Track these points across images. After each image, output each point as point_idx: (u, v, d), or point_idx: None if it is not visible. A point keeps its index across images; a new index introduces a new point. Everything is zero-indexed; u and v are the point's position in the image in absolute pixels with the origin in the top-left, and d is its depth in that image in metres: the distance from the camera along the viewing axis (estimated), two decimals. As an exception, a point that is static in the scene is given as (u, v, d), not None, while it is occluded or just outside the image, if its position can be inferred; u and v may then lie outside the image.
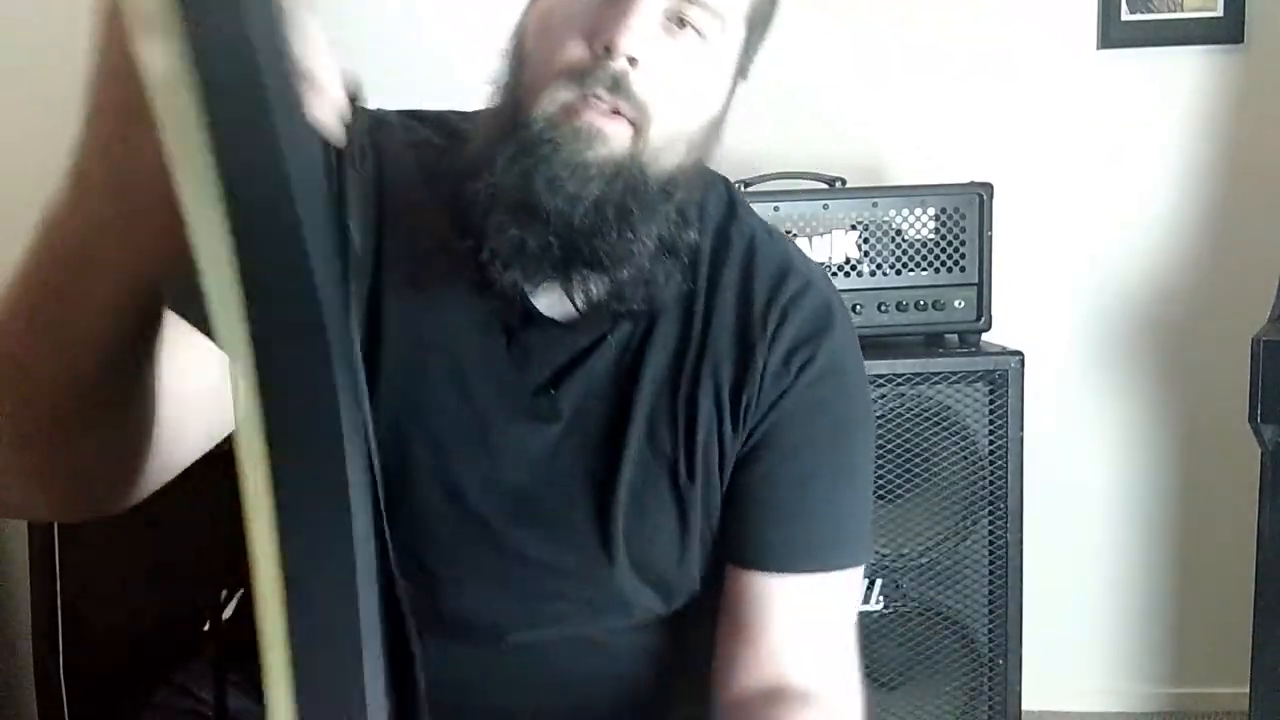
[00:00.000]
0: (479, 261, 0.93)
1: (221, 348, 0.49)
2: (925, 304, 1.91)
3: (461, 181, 0.95)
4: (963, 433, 1.89)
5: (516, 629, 1.00)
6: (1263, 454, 1.73)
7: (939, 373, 1.85)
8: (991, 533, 1.91)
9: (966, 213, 1.91)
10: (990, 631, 1.94)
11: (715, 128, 1.00)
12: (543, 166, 0.90)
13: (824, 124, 2.33)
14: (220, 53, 0.44)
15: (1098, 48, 2.31)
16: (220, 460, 0.94)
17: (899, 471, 1.88)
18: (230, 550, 0.73)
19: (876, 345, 1.90)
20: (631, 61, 0.89)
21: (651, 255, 0.96)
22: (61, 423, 0.66)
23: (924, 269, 1.91)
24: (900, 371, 1.85)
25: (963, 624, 1.93)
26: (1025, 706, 2.00)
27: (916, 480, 1.89)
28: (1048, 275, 2.35)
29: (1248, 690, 1.78)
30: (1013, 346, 1.88)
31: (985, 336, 1.92)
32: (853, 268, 1.91)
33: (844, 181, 2.02)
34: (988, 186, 1.92)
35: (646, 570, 1.01)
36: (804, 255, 1.11)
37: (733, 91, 1.02)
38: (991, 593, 1.93)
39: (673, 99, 0.92)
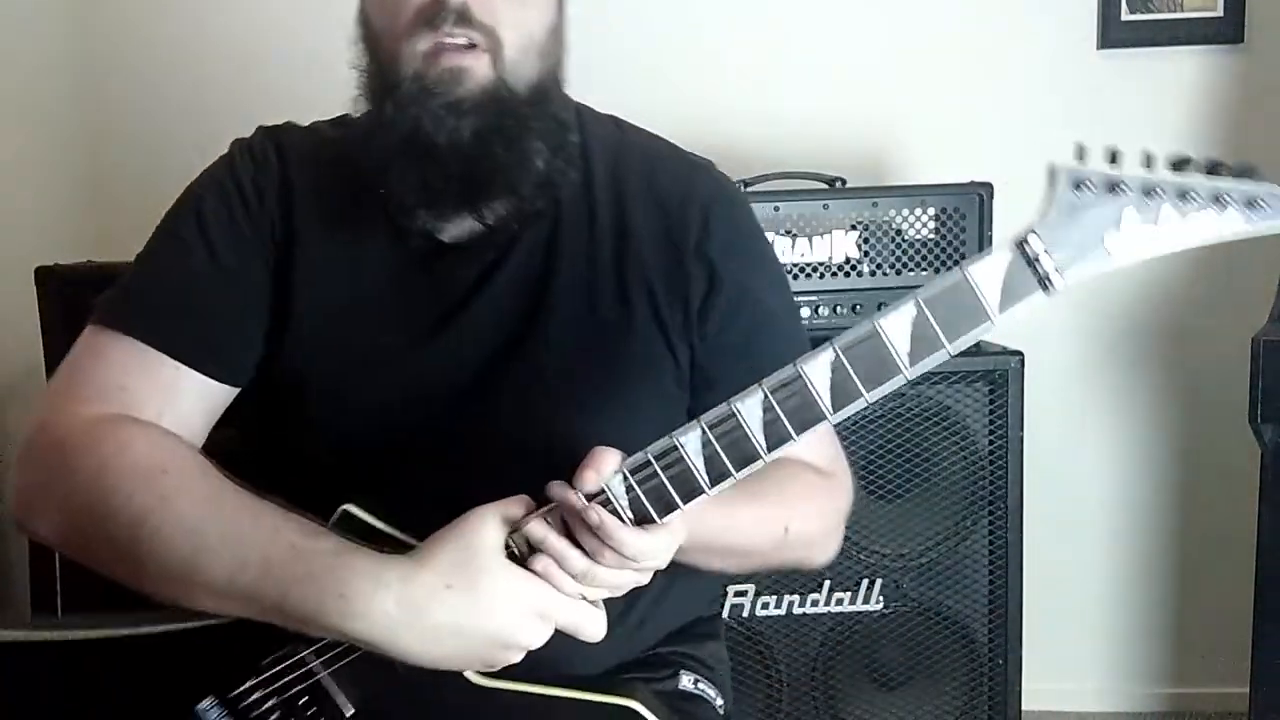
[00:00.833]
0: (389, 212, 1.08)
1: None
2: (925, 304, 1.91)
3: (359, 147, 1.09)
4: (963, 433, 1.89)
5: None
6: (1263, 454, 1.73)
7: (939, 373, 1.85)
8: (991, 533, 1.91)
9: (966, 213, 1.91)
10: (990, 631, 1.93)
11: (558, 33, 1.13)
12: (423, 112, 1.04)
13: (824, 124, 2.33)
14: None
15: (1098, 48, 2.30)
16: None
17: (899, 471, 1.88)
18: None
19: (876, 345, 1.89)
20: None
21: (545, 160, 1.09)
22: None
23: (924, 269, 1.91)
24: (900, 371, 1.84)
25: (963, 624, 1.93)
26: (1025, 706, 2.00)
27: (916, 480, 1.89)
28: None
29: (1248, 690, 1.78)
30: (1013, 346, 1.88)
31: (985, 336, 1.92)
32: (853, 268, 1.91)
33: (844, 181, 2.02)
34: (988, 186, 1.92)
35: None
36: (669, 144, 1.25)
37: None
38: (991, 593, 1.92)
39: (513, 15, 1.06)
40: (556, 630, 0.97)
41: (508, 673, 1.00)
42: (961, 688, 1.95)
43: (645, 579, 0.98)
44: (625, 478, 0.94)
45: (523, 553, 0.96)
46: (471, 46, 1.05)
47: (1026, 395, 1.90)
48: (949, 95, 2.33)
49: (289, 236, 1.14)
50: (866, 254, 1.91)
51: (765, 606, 1.92)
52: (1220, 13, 2.26)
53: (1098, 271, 0.90)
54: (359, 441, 1.11)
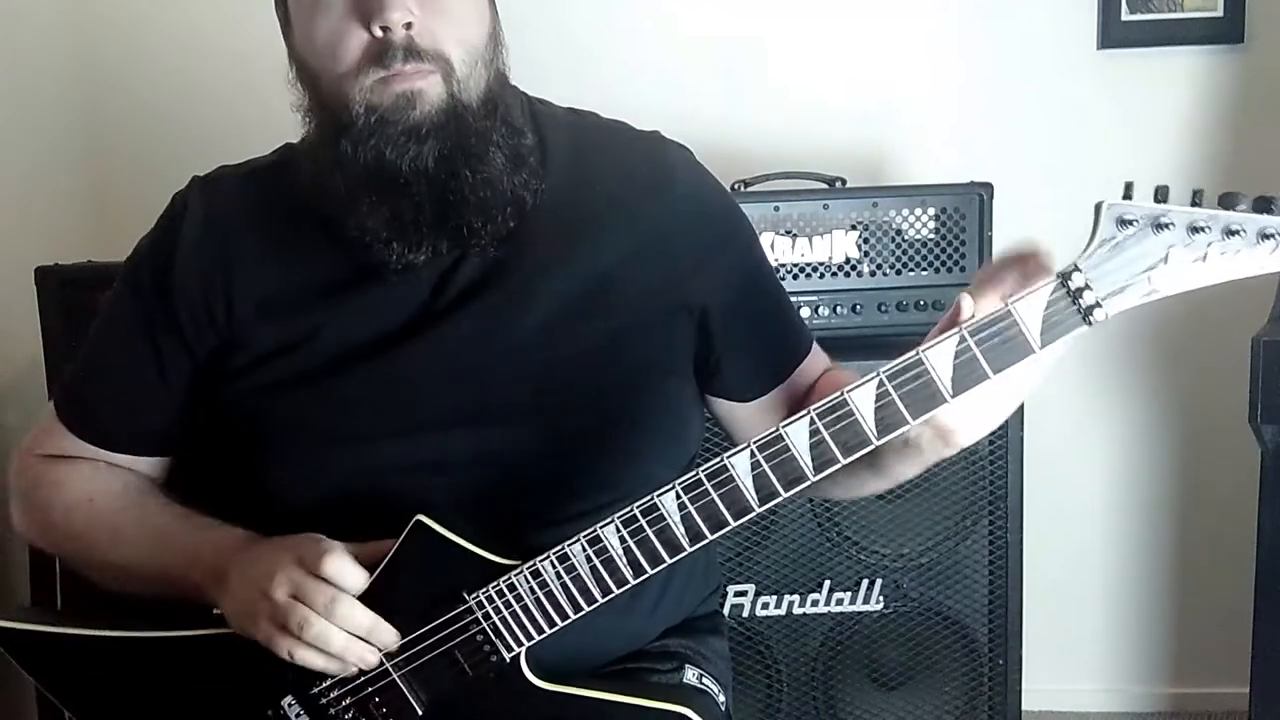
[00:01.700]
0: (360, 244, 1.08)
1: None
2: (925, 304, 1.91)
3: (316, 184, 1.10)
4: (963, 433, 1.88)
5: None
6: (1263, 454, 1.72)
7: (939, 373, 1.84)
8: (991, 533, 1.91)
9: (966, 213, 1.91)
10: (990, 631, 1.94)
11: (496, 36, 1.13)
12: (383, 141, 1.05)
13: (824, 124, 2.33)
14: None
15: (1098, 48, 2.30)
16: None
17: (899, 471, 1.88)
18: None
19: (876, 345, 1.89)
20: (408, 26, 1.03)
21: (509, 174, 1.10)
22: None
23: (924, 269, 1.91)
24: (900, 371, 1.84)
25: (963, 624, 1.93)
26: (1025, 706, 2.00)
27: (916, 480, 1.88)
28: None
29: (1248, 690, 1.78)
30: (1013, 346, 1.88)
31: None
32: (853, 268, 1.91)
33: (844, 181, 2.02)
34: (988, 186, 1.92)
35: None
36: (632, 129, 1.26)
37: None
38: (991, 593, 1.92)
39: (455, 33, 1.06)
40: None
41: (568, 677, 1.08)
42: (961, 688, 1.95)
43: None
44: (678, 495, 1.00)
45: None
46: (421, 72, 1.06)
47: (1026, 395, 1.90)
48: (949, 95, 2.33)
49: (227, 285, 1.16)
50: (866, 254, 1.91)
51: (765, 606, 1.92)
52: (1220, 13, 2.26)
53: (1140, 303, 0.94)
54: (329, 463, 1.13)
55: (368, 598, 1.04)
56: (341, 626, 1.02)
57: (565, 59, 2.21)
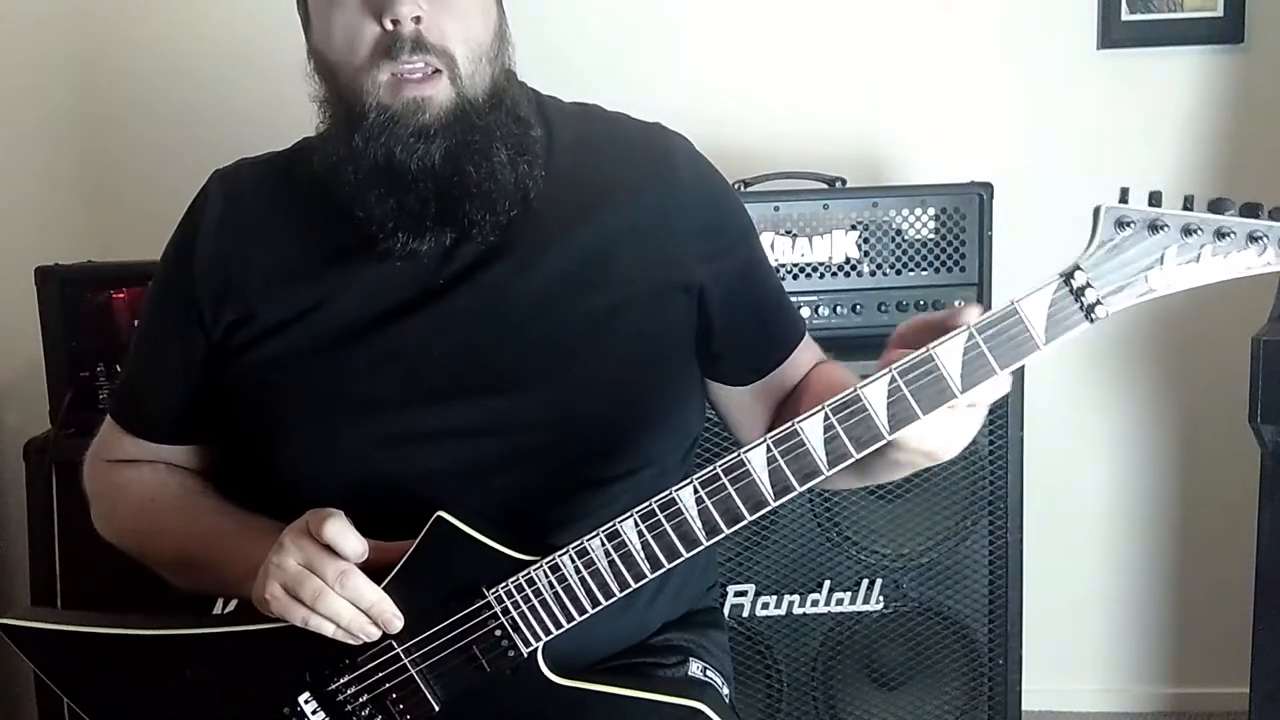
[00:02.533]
0: (367, 235, 1.12)
1: None
2: (925, 304, 1.91)
3: (330, 174, 1.14)
4: (963, 433, 1.88)
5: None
6: (1263, 454, 1.73)
7: (939, 373, 1.84)
8: (991, 533, 1.92)
9: (966, 213, 1.91)
10: (990, 631, 1.94)
11: (502, 32, 1.17)
12: (393, 140, 1.10)
13: (824, 124, 2.33)
14: None
15: (1098, 48, 2.30)
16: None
17: (899, 471, 1.88)
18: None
19: (876, 345, 1.88)
20: (417, 20, 1.08)
21: (513, 167, 1.13)
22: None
23: (924, 269, 1.91)
24: (900, 371, 1.84)
25: (963, 624, 1.93)
26: (1025, 706, 2.00)
27: (916, 480, 1.89)
28: (1047, 275, 2.35)
29: (1248, 690, 1.78)
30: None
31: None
32: (853, 268, 1.91)
33: (844, 181, 2.02)
34: (988, 186, 1.92)
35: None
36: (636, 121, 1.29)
37: None
38: (991, 593, 1.93)
39: (461, 29, 1.11)
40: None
41: (584, 673, 1.10)
42: (961, 688, 1.95)
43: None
44: (695, 490, 1.02)
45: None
46: (429, 73, 1.10)
47: (1026, 395, 1.90)
48: (949, 95, 2.33)
49: (243, 263, 1.21)
50: (866, 254, 1.91)
51: (765, 606, 1.92)
52: (1220, 13, 2.26)
53: (1136, 302, 0.99)
54: (336, 435, 1.16)
55: (388, 592, 1.05)
56: (349, 599, 1.04)
57: (565, 59, 2.21)
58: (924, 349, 0.99)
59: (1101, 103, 2.31)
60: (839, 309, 1.91)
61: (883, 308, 1.92)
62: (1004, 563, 1.92)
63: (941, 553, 1.91)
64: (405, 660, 1.07)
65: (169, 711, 1.16)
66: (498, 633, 1.06)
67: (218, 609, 1.32)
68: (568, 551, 1.05)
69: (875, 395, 0.99)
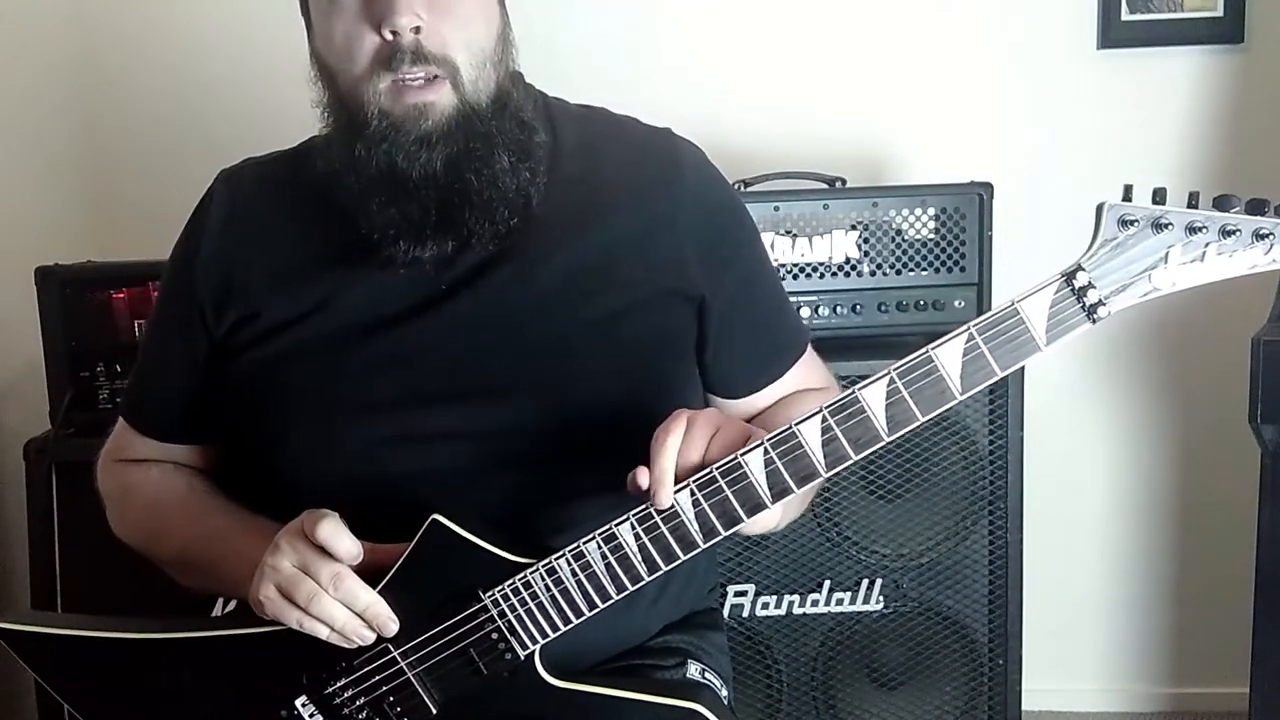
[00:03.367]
0: (370, 241, 1.12)
1: None
2: (925, 304, 1.91)
3: (333, 180, 1.13)
4: (963, 433, 1.89)
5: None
6: (1263, 454, 1.72)
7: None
8: (991, 533, 1.91)
9: (966, 213, 1.91)
10: (990, 631, 1.94)
11: (505, 36, 1.16)
12: (395, 148, 1.09)
13: (824, 124, 2.33)
14: None
15: (1098, 48, 2.30)
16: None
17: (899, 471, 1.88)
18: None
19: (876, 345, 1.90)
20: (416, 30, 1.07)
21: (515, 174, 1.13)
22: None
23: (924, 269, 1.91)
24: (900, 371, 1.84)
25: (963, 624, 1.93)
26: (1025, 706, 2.00)
27: (916, 480, 1.89)
28: (1048, 275, 2.35)
29: (1248, 690, 1.78)
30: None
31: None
32: (853, 268, 1.91)
33: (844, 181, 2.02)
34: (988, 186, 1.92)
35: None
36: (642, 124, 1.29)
37: None
38: (991, 593, 1.93)
39: (462, 36, 1.09)
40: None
41: (582, 675, 1.10)
42: (961, 688, 1.95)
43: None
44: (692, 493, 1.01)
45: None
46: (430, 79, 1.09)
47: (1026, 395, 1.90)
48: (949, 95, 2.33)
49: (246, 262, 1.21)
50: (866, 254, 1.91)
51: (765, 606, 1.92)
52: (1220, 13, 2.26)
53: (1139, 301, 0.97)
54: (336, 436, 1.16)
55: (384, 596, 1.05)
56: (343, 602, 1.04)
57: (565, 60, 2.20)
58: (923, 349, 0.98)
59: (1101, 103, 2.31)
60: (839, 309, 1.91)
61: (883, 308, 1.91)
62: (1004, 563, 1.91)
63: (941, 553, 1.91)
64: (402, 663, 1.07)
65: (166, 715, 1.16)
66: (494, 636, 1.06)
67: (216, 611, 1.32)
68: (564, 555, 1.04)
69: (874, 397, 0.99)
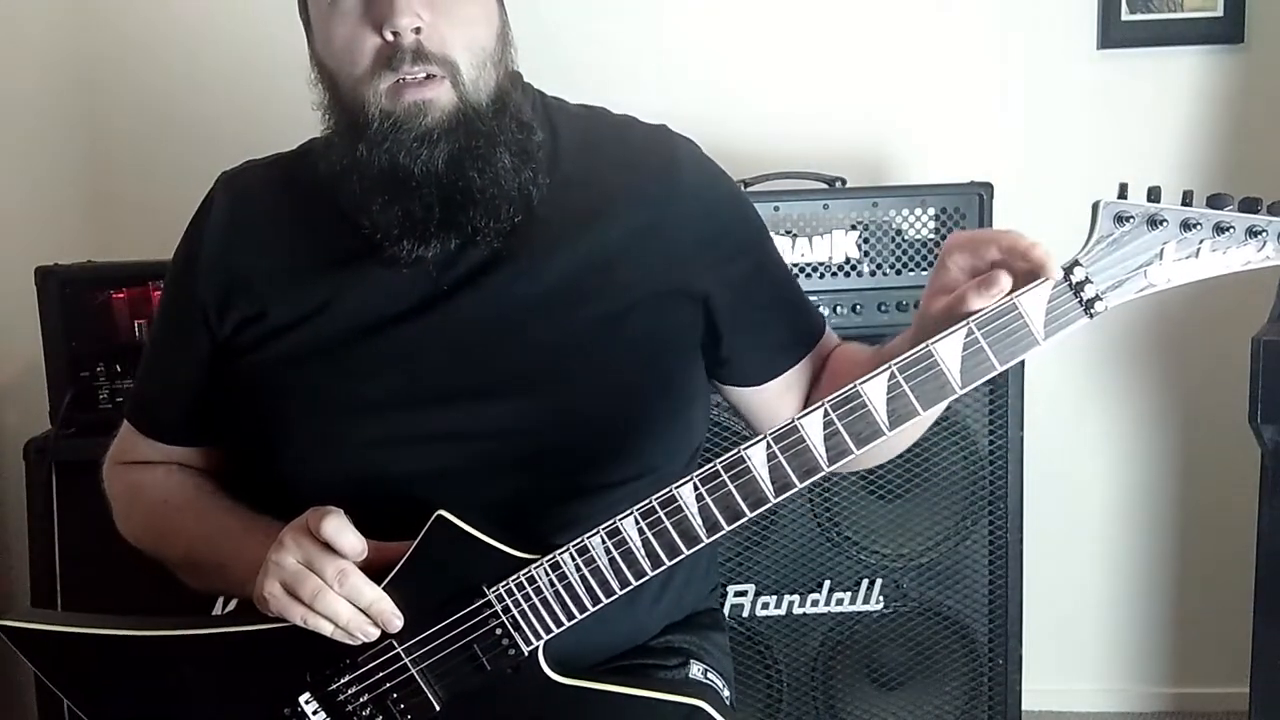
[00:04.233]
0: (373, 241, 1.12)
1: None
2: (925, 304, 1.91)
3: (335, 181, 1.13)
4: (963, 433, 1.89)
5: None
6: (1263, 454, 1.72)
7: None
8: (991, 533, 1.92)
9: (966, 213, 1.91)
10: (990, 631, 1.94)
11: (505, 34, 1.16)
12: (396, 146, 1.09)
13: (824, 124, 2.33)
14: None
15: (1098, 48, 2.30)
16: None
17: (899, 471, 1.88)
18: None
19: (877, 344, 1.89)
20: (417, 30, 1.07)
21: (516, 172, 1.13)
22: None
23: (924, 269, 1.91)
24: (900, 371, 1.84)
25: (963, 624, 1.93)
26: (1025, 706, 2.00)
27: (916, 480, 1.89)
28: (1048, 275, 2.35)
29: (1248, 690, 1.78)
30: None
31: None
32: (853, 268, 1.91)
33: (844, 181, 2.02)
34: (988, 186, 1.92)
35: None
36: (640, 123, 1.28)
37: None
38: (991, 593, 1.93)
39: (463, 36, 1.10)
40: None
41: (585, 672, 1.11)
42: (961, 688, 1.95)
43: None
44: (696, 487, 1.02)
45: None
46: (430, 77, 1.09)
47: (1026, 395, 1.90)
48: (949, 95, 2.33)
49: (249, 264, 1.21)
50: (866, 254, 1.91)
51: (765, 606, 1.92)
52: (1220, 13, 2.26)
53: (1135, 297, 0.99)
54: (339, 436, 1.16)
55: (388, 592, 1.05)
56: (348, 598, 1.04)
57: (565, 59, 2.20)
58: (924, 344, 0.99)
59: (1101, 103, 2.31)
60: (839, 309, 1.91)
61: (883, 308, 1.91)
62: (1004, 563, 1.92)
63: (941, 553, 1.91)
64: (406, 660, 1.07)
65: (169, 712, 1.16)
66: (498, 631, 1.06)
67: (217, 609, 1.32)
68: (568, 549, 1.05)
69: (875, 391, 0.99)
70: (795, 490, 1.02)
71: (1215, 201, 0.98)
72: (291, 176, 1.24)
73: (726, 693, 1.27)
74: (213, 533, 1.22)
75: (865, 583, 1.91)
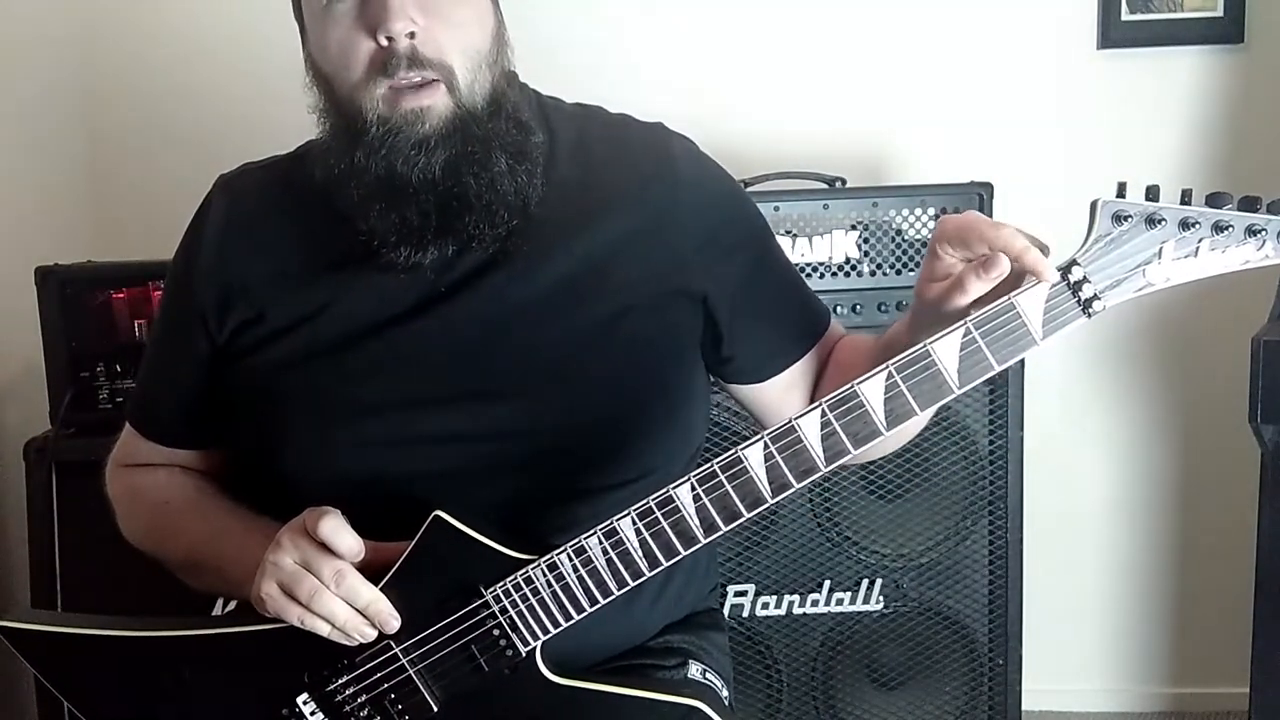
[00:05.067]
0: (370, 248, 1.12)
1: None
2: (925, 304, 1.91)
3: (333, 187, 1.13)
4: (963, 433, 1.89)
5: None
6: (1263, 454, 1.72)
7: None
8: (991, 533, 1.92)
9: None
10: (990, 631, 1.94)
11: (500, 35, 1.15)
12: (394, 153, 1.09)
13: (824, 124, 2.33)
14: None
15: (1098, 48, 2.30)
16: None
17: (899, 471, 1.88)
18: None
19: (876, 345, 1.90)
20: (411, 35, 1.07)
21: (512, 176, 1.12)
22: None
23: (924, 269, 1.91)
24: (900, 371, 1.84)
25: (963, 624, 1.93)
26: (1025, 706, 2.00)
27: (916, 480, 1.89)
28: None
29: (1248, 690, 1.78)
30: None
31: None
32: (853, 268, 1.91)
33: (844, 181, 2.02)
34: (988, 186, 1.92)
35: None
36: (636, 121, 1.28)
37: None
38: (991, 593, 1.93)
39: (457, 39, 1.09)
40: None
41: (583, 672, 1.11)
42: (961, 688, 1.95)
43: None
44: (693, 487, 1.02)
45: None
46: (426, 83, 1.09)
47: (1026, 395, 1.90)
48: (949, 95, 2.33)
49: (247, 267, 1.21)
50: (866, 254, 1.91)
51: (765, 606, 1.92)
52: (1220, 13, 2.26)
53: (1134, 296, 0.99)
54: (338, 438, 1.16)
55: (386, 593, 1.05)
56: (345, 599, 1.04)
57: (565, 59, 2.21)
58: (921, 344, 0.99)
59: (1101, 103, 2.31)
60: (839, 309, 1.91)
61: (883, 308, 1.91)
62: (1004, 563, 1.92)
63: (941, 553, 1.91)
64: (403, 660, 1.07)
65: (167, 713, 1.16)
66: (496, 632, 1.06)
67: (217, 609, 1.32)
68: (566, 550, 1.05)
69: (873, 392, 0.99)
70: (792, 490, 1.02)
71: (1214, 200, 0.97)
72: (289, 179, 1.24)
73: (725, 693, 1.27)
74: (213, 534, 1.22)
75: (865, 583, 1.91)
